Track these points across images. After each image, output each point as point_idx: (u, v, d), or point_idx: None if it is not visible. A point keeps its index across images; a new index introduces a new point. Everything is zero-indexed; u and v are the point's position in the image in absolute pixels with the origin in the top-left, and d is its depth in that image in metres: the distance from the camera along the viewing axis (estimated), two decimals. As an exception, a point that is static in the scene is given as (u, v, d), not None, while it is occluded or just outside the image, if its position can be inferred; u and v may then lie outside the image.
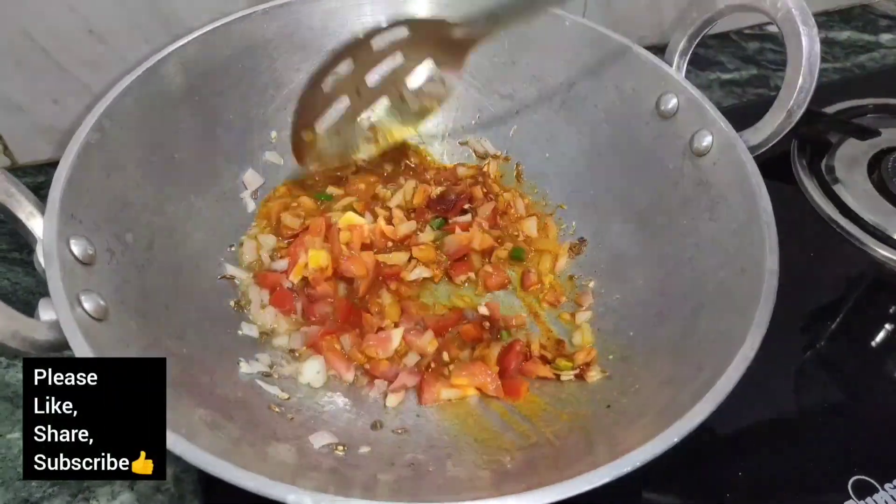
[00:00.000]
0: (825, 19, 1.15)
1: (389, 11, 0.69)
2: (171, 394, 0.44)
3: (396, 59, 0.60)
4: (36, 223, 0.46)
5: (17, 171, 0.78)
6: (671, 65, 0.67)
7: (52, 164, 0.51)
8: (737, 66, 1.03)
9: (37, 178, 0.77)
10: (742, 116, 0.62)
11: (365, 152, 0.64)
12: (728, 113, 0.60)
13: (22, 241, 0.57)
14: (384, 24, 0.60)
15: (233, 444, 0.44)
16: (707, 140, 0.59)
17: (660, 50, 0.69)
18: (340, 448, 0.50)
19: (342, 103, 0.62)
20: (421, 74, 0.60)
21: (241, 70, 0.65)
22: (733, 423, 0.58)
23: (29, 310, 0.42)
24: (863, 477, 0.55)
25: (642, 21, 0.99)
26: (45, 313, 0.42)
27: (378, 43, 0.60)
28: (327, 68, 0.61)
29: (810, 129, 0.82)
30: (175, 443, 0.37)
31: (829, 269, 0.74)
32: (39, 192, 0.47)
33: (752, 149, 0.58)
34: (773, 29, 1.10)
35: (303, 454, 0.48)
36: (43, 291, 0.42)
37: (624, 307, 0.63)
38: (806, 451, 0.58)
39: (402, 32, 0.60)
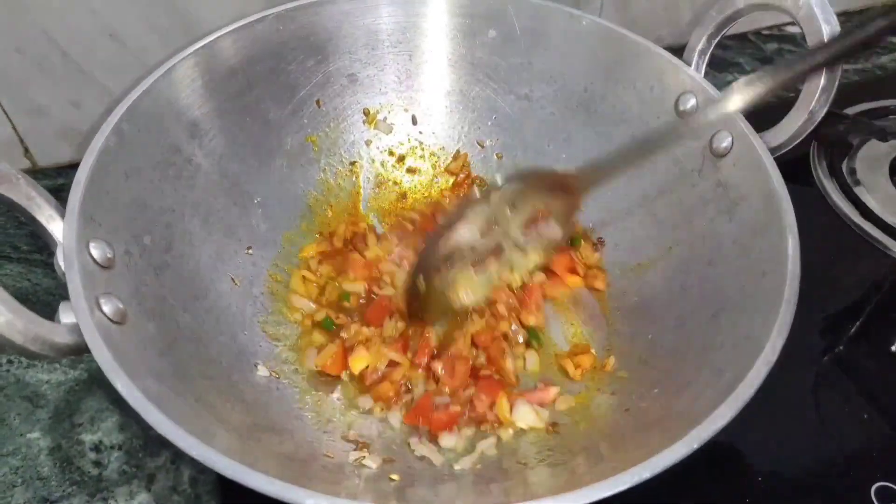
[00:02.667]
0: (844, 20, 1.13)
1: (406, 12, 0.70)
2: (189, 396, 0.45)
3: (507, 212, 0.59)
4: (56, 226, 0.46)
5: (38, 173, 0.79)
6: (690, 64, 0.66)
7: (73, 167, 0.51)
8: (755, 67, 1.02)
9: (57, 181, 0.78)
10: (760, 118, 0.61)
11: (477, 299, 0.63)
12: (746, 115, 0.59)
13: (42, 243, 0.58)
14: (499, 183, 0.58)
15: (249, 446, 0.44)
16: (727, 141, 0.59)
17: (677, 51, 0.68)
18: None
19: (458, 261, 0.60)
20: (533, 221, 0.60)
21: (258, 73, 0.65)
22: (753, 429, 0.56)
23: (49, 311, 0.43)
24: (886, 483, 0.55)
25: (659, 22, 0.99)
26: (66, 316, 0.42)
27: (493, 198, 0.59)
28: (443, 230, 0.60)
29: (831, 130, 0.81)
30: (192, 446, 0.37)
31: (850, 272, 0.73)
32: (59, 195, 0.47)
33: (772, 150, 0.57)
34: (791, 30, 1.08)
35: (315, 457, 0.48)
36: (63, 293, 0.43)
37: (642, 310, 0.63)
38: (827, 456, 0.57)
39: (515, 186, 0.59)
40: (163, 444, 0.56)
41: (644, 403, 0.52)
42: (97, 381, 0.61)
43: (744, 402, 0.42)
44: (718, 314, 0.54)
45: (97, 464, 0.56)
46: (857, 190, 0.78)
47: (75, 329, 0.41)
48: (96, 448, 0.57)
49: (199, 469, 0.56)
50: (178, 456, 0.57)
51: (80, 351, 0.42)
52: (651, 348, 0.59)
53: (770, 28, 1.09)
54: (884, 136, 0.78)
